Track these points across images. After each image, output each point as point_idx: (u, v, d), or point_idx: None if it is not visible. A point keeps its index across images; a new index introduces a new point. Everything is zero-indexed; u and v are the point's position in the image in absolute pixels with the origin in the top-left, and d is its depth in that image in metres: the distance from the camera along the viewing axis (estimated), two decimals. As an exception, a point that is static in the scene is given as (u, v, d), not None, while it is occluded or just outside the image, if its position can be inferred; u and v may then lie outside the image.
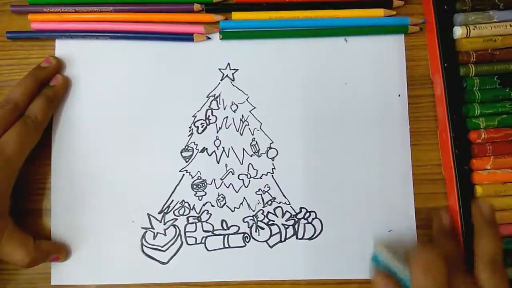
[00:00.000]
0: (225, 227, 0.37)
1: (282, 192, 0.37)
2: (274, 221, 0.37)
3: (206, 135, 0.38)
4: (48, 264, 0.37)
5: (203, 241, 0.37)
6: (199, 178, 0.38)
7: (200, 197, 0.37)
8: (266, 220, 0.37)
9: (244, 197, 0.37)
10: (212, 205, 0.37)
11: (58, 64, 0.38)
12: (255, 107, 0.38)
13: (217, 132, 0.38)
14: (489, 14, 0.36)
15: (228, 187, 0.37)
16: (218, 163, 0.38)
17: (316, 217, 0.37)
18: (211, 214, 0.37)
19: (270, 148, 0.38)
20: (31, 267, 0.34)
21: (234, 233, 0.37)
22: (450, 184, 0.36)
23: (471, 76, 0.36)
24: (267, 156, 0.38)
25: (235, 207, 0.37)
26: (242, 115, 0.38)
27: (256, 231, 0.37)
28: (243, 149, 0.38)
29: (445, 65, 0.36)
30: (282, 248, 0.37)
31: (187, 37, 0.38)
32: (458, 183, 0.35)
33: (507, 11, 0.36)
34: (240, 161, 0.38)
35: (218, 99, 0.38)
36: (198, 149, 0.38)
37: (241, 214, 0.37)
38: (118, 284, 0.36)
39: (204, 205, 0.37)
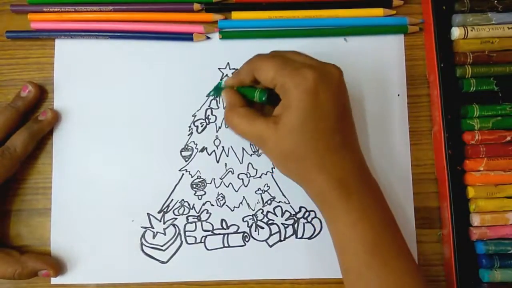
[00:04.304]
0: (224, 226, 0.42)
1: (281, 192, 0.42)
2: (273, 220, 0.42)
3: (206, 134, 0.43)
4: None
5: (202, 241, 0.42)
6: (199, 177, 0.43)
7: (200, 197, 0.42)
8: (265, 220, 0.42)
9: (244, 197, 0.42)
10: (212, 205, 0.42)
11: (38, 92, 0.42)
12: (255, 107, 0.44)
13: (217, 131, 0.43)
14: (488, 16, 0.41)
15: (227, 187, 0.42)
16: (218, 162, 0.43)
17: (315, 217, 0.42)
18: (210, 214, 0.42)
19: (269, 147, 0.43)
20: (20, 279, 0.39)
21: (234, 233, 0.42)
22: (442, 184, 0.41)
23: (468, 77, 0.41)
24: (267, 155, 0.43)
25: (234, 207, 0.42)
26: (242, 115, 0.44)
27: (255, 231, 0.42)
28: (243, 148, 0.43)
29: (442, 65, 0.41)
30: (281, 247, 0.42)
31: (187, 37, 0.43)
32: (450, 184, 0.39)
33: (506, 14, 0.41)
34: (239, 161, 0.43)
35: (217, 99, 0.43)
36: (197, 149, 0.43)
37: (241, 213, 0.42)
38: (118, 283, 0.41)
39: (203, 204, 0.42)
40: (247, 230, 0.42)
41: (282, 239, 0.42)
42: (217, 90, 0.42)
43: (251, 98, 0.38)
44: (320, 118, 0.34)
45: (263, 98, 0.37)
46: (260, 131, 0.35)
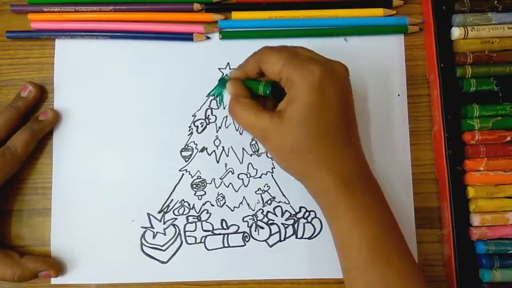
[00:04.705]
0: (224, 226, 0.42)
1: (281, 192, 0.43)
2: (273, 220, 0.42)
3: (206, 134, 0.43)
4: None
5: (202, 241, 0.42)
6: (199, 177, 0.43)
7: (200, 197, 0.43)
8: (265, 220, 0.42)
9: (244, 197, 0.43)
10: (212, 205, 0.42)
11: (38, 92, 0.42)
12: (255, 107, 0.44)
13: (217, 131, 0.43)
14: (488, 16, 0.41)
15: (227, 187, 0.43)
16: (218, 162, 0.43)
17: (315, 217, 0.42)
18: (210, 214, 0.42)
19: (269, 147, 0.44)
20: (20, 282, 0.39)
21: (234, 233, 0.42)
22: (442, 184, 0.41)
23: (468, 77, 0.41)
24: (267, 155, 0.43)
25: (234, 207, 0.43)
26: (242, 115, 0.44)
27: (255, 231, 0.42)
28: (243, 148, 0.43)
29: (442, 65, 0.41)
30: (281, 247, 0.42)
31: (187, 37, 0.43)
32: (451, 184, 0.40)
33: (506, 14, 0.42)
34: (239, 161, 0.43)
35: (217, 99, 0.44)
36: (197, 149, 0.43)
37: (241, 213, 0.42)
38: (118, 283, 0.41)
39: (203, 204, 0.42)
40: (247, 230, 0.42)
41: (282, 239, 0.42)
42: (221, 83, 0.41)
43: (255, 91, 0.38)
44: (325, 112, 0.34)
45: (268, 91, 0.37)
46: (264, 125, 0.35)
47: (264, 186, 0.43)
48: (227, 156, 0.43)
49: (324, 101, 0.34)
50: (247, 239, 0.42)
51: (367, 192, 0.35)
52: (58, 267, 0.41)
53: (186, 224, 0.42)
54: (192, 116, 0.43)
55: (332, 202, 0.35)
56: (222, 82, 0.41)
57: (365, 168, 0.37)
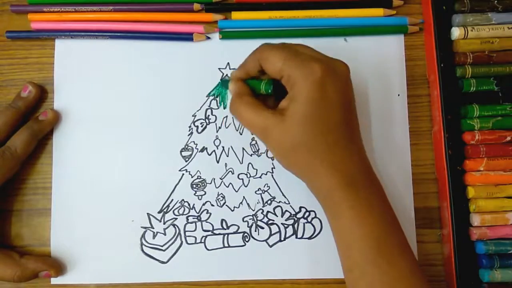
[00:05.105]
0: (224, 226, 0.42)
1: (281, 192, 0.43)
2: (273, 220, 0.42)
3: (206, 134, 0.43)
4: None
5: (202, 241, 0.42)
6: (199, 177, 0.43)
7: (200, 197, 0.43)
8: (265, 220, 0.42)
9: (244, 197, 0.43)
10: (212, 205, 0.42)
11: (38, 92, 0.42)
12: (254, 107, 0.44)
13: (217, 131, 0.43)
14: (488, 16, 0.41)
15: (227, 187, 0.43)
16: (218, 162, 0.43)
17: (315, 217, 0.42)
18: (210, 214, 0.42)
19: (269, 147, 0.44)
20: (20, 282, 0.39)
21: (234, 233, 0.42)
22: (442, 184, 0.41)
23: (468, 77, 0.41)
24: (267, 155, 0.43)
25: (234, 207, 0.43)
26: (242, 115, 0.44)
27: (255, 231, 0.42)
28: (243, 148, 0.43)
29: (442, 65, 0.41)
30: (281, 248, 0.42)
31: (187, 37, 0.43)
32: (450, 184, 0.40)
33: (506, 14, 0.42)
34: (239, 161, 0.43)
35: (217, 99, 0.44)
36: (197, 149, 0.43)
37: (241, 213, 0.42)
38: (118, 283, 0.41)
39: (203, 204, 0.42)
40: (247, 230, 0.42)
41: (282, 239, 0.42)
42: (222, 84, 0.42)
43: (257, 90, 0.38)
44: (327, 110, 0.35)
45: (269, 90, 0.37)
46: (266, 123, 0.35)
47: (264, 186, 0.43)
48: (227, 156, 0.43)
49: (326, 100, 0.34)
50: (247, 239, 0.42)
51: (369, 190, 0.35)
52: (58, 267, 0.41)
53: (186, 224, 0.42)
54: (192, 116, 0.43)
55: (336, 201, 0.35)
56: (223, 83, 0.41)
57: (367, 166, 0.37)
